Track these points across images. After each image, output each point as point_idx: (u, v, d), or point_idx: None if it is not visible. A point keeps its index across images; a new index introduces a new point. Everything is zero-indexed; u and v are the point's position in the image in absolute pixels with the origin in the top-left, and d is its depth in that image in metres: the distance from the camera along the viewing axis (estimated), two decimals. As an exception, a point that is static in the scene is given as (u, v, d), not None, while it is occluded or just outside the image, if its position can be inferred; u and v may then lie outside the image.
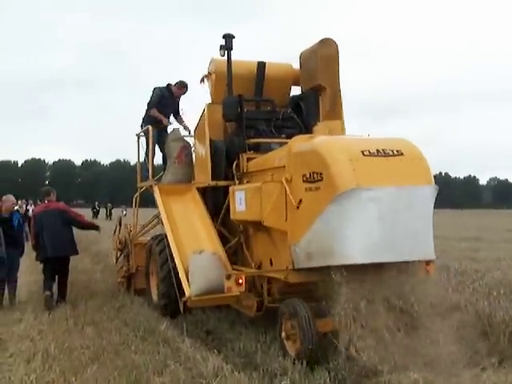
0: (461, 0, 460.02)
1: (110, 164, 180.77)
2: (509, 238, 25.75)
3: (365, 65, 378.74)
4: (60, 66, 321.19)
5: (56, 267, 11.45)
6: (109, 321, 9.51)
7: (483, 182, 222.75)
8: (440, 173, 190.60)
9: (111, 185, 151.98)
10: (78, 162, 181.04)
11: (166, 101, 11.53)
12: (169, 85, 11.57)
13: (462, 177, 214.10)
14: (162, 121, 11.39)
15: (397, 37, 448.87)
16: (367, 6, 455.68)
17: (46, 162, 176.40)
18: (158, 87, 11.63)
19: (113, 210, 61.54)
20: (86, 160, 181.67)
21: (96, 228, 12.46)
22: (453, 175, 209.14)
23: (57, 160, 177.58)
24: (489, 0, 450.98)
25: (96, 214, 60.89)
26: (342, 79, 9.62)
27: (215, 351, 7.72)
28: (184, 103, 11.97)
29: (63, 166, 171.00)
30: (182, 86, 11.58)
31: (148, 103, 11.63)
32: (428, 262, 7.61)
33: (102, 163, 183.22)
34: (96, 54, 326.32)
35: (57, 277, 11.56)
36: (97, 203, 65.04)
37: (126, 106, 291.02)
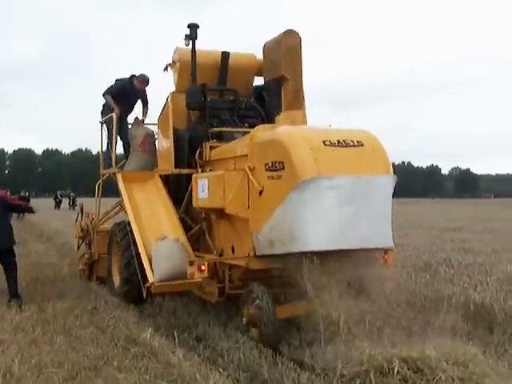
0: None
1: (71, 153, 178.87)
2: (490, 228, 25.47)
3: (328, 55, 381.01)
4: (22, 54, 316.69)
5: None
6: (82, 328, 8.28)
7: (445, 171, 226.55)
8: (402, 162, 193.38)
9: (73, 174, 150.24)
10: (38, 150, 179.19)
11: (126, 93, 11.44)
12: (132, 76, 11.50)
13: (424, 166, 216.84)
14: (114, 108, 11.25)
15: (361, 27, 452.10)
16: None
17: (6, 150, 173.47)
18: (121, 80, 11.61)
19: (76, 200, 60.44)
20: (47, 149, 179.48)
21: (31, 210, 11.82)
22: (415, 165, 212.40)
23: (17, 149, 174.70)
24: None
25: (58, 203, 59.69)
26: (305, 69, 9.76)
27: (213, 364, 6.73)
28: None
29: (23, 155, 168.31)
30: (143, 80, 11.46)
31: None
32: (386, 251, 7.84)
33: (63, 152, 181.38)
34: (60, 43, 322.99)
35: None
36: (59, 193, 63.91)
37: (88, 95, 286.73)
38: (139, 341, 7.53)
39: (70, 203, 59.03)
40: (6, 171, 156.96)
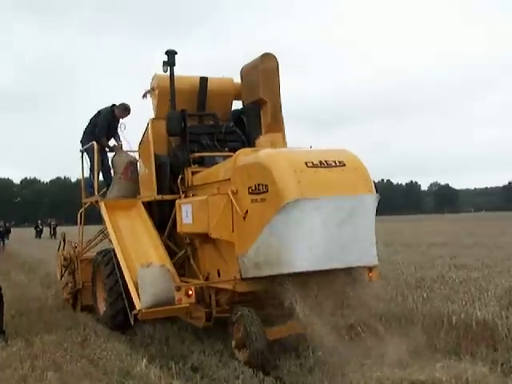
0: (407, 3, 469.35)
1: (50, 181, 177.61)
2: (476, 241, 25.60)
3: (308, 76, 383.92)
4: (3, 83, 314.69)
5: None
6: (73, 361, 7.90)
7: (424, 187, 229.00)
8: (382, 179, 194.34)
9: (52, 202, 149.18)
10: (16, 180, 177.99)
11: (110, 124, 11.51)
12: (113, 105, 11.51)
13: (403, 183, 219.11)
14: (115, 150, 11.42)
15: (340, 47, 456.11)
16: (313, 15, 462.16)
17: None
18: (104, 111, 11.57)
19: (57, 228, 59.86)
20: (25, 178, 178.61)
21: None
22: (395, 182, 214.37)
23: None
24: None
25: (39, 232, 59.06)
26: (283, 92, 9.86)
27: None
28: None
29: (1, 185, 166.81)
30: (125, 110, 11.48)
31: (89, 124, 11.70)
32: (371, 269, 7.90)
33: (41, 181, 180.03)
34: (36, 69, 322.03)
35: None
36: (40, 222, 63.30)
37: (67, 123, 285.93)
38: (134, 373, 7.20)
39: (51, 232, 58.47)
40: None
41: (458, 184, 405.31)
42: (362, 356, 6.85)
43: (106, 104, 11.64)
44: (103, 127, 11.41)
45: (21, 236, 53.84)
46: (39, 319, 11.01)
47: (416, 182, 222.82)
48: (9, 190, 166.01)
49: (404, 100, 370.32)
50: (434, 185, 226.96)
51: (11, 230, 56.06)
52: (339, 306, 7.28)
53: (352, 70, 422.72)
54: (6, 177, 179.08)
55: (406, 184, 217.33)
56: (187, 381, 7.18)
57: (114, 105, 11.52)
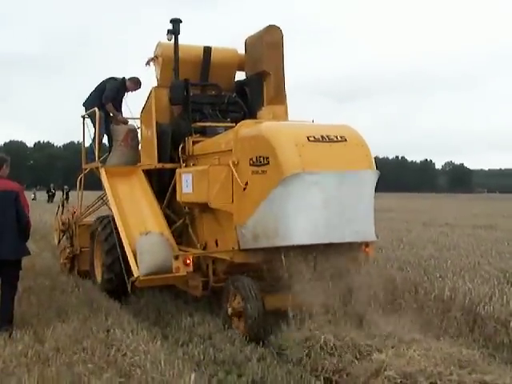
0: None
1: (63, 146, 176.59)
2: None
3: (330, 49, 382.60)
4: (21, 47, 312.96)
5: None
6: (97, 372, 5.95)
7: (439, 166, 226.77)
8: (397, 157, 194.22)
9: (65, 167, 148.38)
10: (30, 143, 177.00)
11: (119, 94, 11.48)
12: (124, 78, 11.47)
13: (418, 161, 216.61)
14: (118, 118, 11.35)
15: (362, 22, 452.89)
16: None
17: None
18: (115, 80, 11.51)
19: (70, 193, 59.03)
20: (39, 141, 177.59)
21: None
22: (409, 159, 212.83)
23: (8, 141, 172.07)
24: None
25: (51, 197, 58.61)
26: (287, 65, 9.84)
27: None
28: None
29: (14, 148, 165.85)
30: (136, 83, 11.45)
31: (96, 89, 11.60)
32: (367, 244, 7.98)
33: (55, 145, 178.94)
34: (59, 37, 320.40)
35: None
36: (52, 185, 62.89)
37: (83, 87, 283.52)
38: None
39: (63, 197, 57.79)
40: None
41: (472, 164, 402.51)
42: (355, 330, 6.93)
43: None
44: (112, 91, 11.30)
45: (32, 200, 53.04)
46: (50, 301, 9.30)
47: (431, 161, 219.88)
48: (22, 153, 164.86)
49: (425, 78, 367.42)
50: (449, 164, 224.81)
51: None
52: (338, 281, 7.35)
53: (377, 45, 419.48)
54: (20, 139, 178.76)
55: (421, 162, 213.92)
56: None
57: (124, 77, 11.50)
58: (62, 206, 13.20)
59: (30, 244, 13.78)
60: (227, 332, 7.61)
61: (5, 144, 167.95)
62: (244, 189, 7.63)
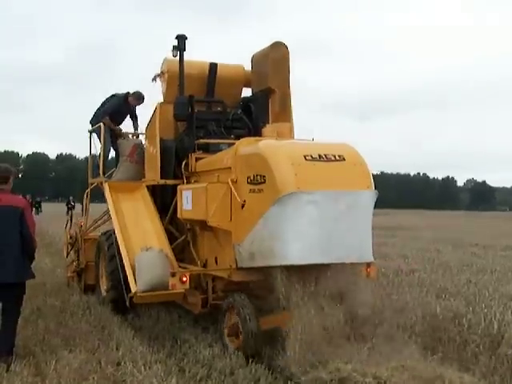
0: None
1: (85, 158, 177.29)
2: None
3: (352, 66, 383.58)
4: (48, 61, 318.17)
5: None
6: None
7: (461, 183, 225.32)
8: (418, 173, 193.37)
9: (84, 180, 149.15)
10: (52, 155, 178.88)
11: (120, 109, 11.63)
12: (127, 93, 11.62)
13: (440, 178, 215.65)
14: (114, 130, 11.56)
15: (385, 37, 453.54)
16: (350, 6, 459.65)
17: (20, 154, 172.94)
18: (117, 96, 11.70)
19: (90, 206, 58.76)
20: (61, 153, 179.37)
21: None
22: (431, 176, 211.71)
23: (31, 153, 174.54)
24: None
25: (71, 209, 59.06)
26: (292, 82, 9.85)
27: None
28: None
29: (37, 160, 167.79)
30: (139, 98, 11.61)
31: (102, 104, 11.75)
32: (369, 265, 7.88)
33: (77, 157, 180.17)
34: (84, 50, 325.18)
35: None
36: (71, 198, 63.29)
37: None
38: None
39: (83, 209, 57.82)
40: (20, 175, 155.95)
41: (495, 182, 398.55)
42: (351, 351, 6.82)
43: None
44: (109, 108, 11.51)
45: (52, 212, 52.99)
46: (58, 326, 8.82)
47: (452, 178, 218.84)
48: (44, 165, 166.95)
49: (446, 95, 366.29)
50: (470, 181, 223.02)
51: (41, 204, 55.84)
52: (334, 301, 7.26)
53: (398, 64, 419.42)
54: (42, 151, 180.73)
55: (442, 179, 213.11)
56: None
57: (127, 93, 11.63)
58: (71, 219, 13.23)
59: (44, 258, 14.83)
60: (251, 367, 6.91)
61: (28, 156, 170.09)
62: (242, 206, 7.58)
